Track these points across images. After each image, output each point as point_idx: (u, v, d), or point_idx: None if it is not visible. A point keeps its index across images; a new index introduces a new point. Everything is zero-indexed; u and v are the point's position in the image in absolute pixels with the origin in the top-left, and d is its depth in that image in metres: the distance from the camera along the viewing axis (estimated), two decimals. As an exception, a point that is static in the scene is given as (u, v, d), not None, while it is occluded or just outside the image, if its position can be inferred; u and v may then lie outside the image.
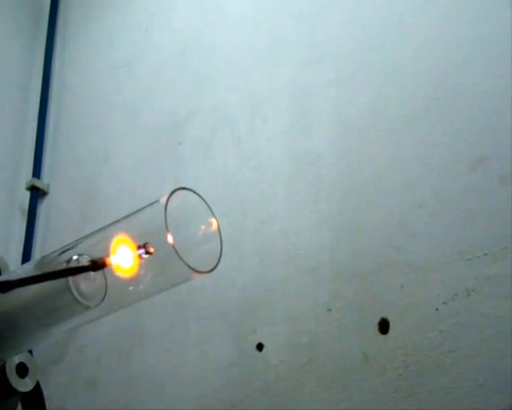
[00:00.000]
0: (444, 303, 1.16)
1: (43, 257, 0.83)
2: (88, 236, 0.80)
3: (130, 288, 0.77)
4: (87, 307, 0.76)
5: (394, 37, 1.40)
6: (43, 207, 2.00)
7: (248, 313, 1.41)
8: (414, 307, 1.19)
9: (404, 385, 1.16)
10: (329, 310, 1.30)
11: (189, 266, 0.72)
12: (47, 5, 2.23)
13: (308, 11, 1.58)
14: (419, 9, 1.38)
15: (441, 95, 1.29)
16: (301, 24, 1.58)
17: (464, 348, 1.12)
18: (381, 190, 1.31)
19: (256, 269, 1.44)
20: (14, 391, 0.87)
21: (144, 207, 0.77)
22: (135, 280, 0.75)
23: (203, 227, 0.79)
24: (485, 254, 1.14)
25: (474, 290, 1.14)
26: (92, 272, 0.75)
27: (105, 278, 0.76)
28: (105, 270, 0.75)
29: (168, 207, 0.72)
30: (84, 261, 0.74)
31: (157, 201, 0.74)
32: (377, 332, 1.22)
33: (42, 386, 0.97)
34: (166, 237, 0.71)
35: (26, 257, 1.88)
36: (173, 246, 0.71)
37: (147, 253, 0.73)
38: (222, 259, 0.76)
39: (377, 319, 1.23)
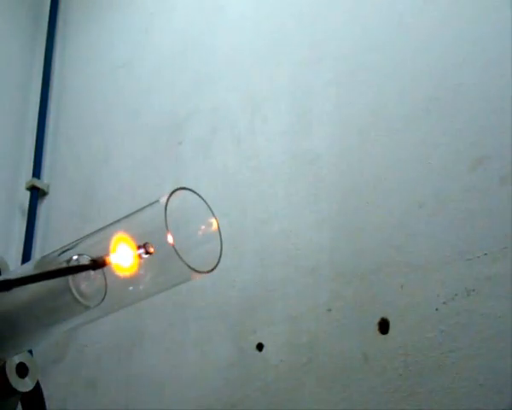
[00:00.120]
0: (444, 303, 1.16)
1: (43, 257, 0.83)
2: (88, 236, 0.80)
3: (130, 288, 0.77)
4: (87, 307, 0.76)
5: (394, 37, 1.40)
6: (43, 207, 2.00)
7: (248, 313, 1.41)
8: (414, 307, 1.19)
9: (404, 385, 1.16)
10: (329, 310, 1.30)
11: (189, 266, 0.72)
12: (47, 5, 2.23)
13: (308, 11, 1.58)
14: (419, 9, 1.38)
15: (441, 95, 1.29)
16: (301, 24, 1.58)
17: (464, 348, 1.12)
18: (381, 190, 1.31)
19: (256, 269, 1.44)
20: (14, 391, 0.87)
21: (144, 207, 0.77)
22: (135, 280, 0.75)
23: (203, 227, 0.79)
24: (485, 254, 1.14)
25: (474, 290, 1.14)
26: (92, 272, 0.75)
27: (105, 278, 0.76)
28: (105, 270, 0.75)
29: (168, 207, 0.72)
30: (84, 261, 0.74)
31: (157, 201, 0.74)
32: (377, 332, 1.22)
33: (42, 386, 0.97)
34: (166, 237, 0.71)
35: (26, 257, 1.88)
36: (173, 246, 0.71)
37: (147, 253, 0.73)
38: (222, 259, 0.76)
39: (377, 319, 1.23)
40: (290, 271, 1.38)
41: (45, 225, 1.97)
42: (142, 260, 0.73)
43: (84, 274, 0.75)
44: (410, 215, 1.26)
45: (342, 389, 1.23)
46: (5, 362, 0.86)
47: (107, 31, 2.08)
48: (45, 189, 2.00)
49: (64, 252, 0.79)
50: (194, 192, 0.78)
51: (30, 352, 1.01)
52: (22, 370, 0.88)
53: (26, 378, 0.89)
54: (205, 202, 0.79)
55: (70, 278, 0.74)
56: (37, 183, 1.99)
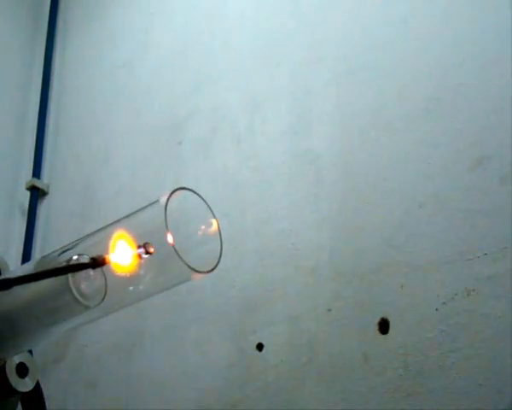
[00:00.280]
0: (444, 303, 1.16)
1: (43, 257, 0.83)
2: (88, 236, 0.80)
3: (130, 288, 0.77)
4: (87, 307, 0.76)
5: (394, 37, 1.40)
6: (43, 207, 2.00)
7: (248, 313, 1.41)
8: (414, 307, 1.19)
9: (404, 385, 1.16)
10: (329, 310, 1.30)
11: (189, 266, 0.72)
12: (47, 5, 2.24)
13: (308, 11, 1.58)
14: (419, 9, 1.38)
15: (441, 95, 1.29)
16: (301, 24, 1.58)
17: (464, 348, 1.12)
18: (381, 190, 1.31)
19: (256, 269, 1.44)
20: (14, 391, 0.87)
21: (144, 207, 0.77)
22: (135, 280, 0.75)
23: (203, 227, 0.79)
24: (485, 254, 1.14)
25: (474, 290, 1.14)
26: (92, 272, 0.75)
27: (105, 278, 0.76)
28: (105, 269, 0.75)
29: (168, 207, 0.72)
30: (84, 261, 0.74)
31: (157, 201, 0.74)
32: (377, 332, 1.22)
33: (42, 386, 0.97)
34: (166, 237, 0.71)
35: (26, 257, 1.88)
36: (173, 246, 0.71)
37: (147, 253, 0.72)
38: (222, 259, 0.76)
39: (377, 319, 1.23)
40: (290, 271, 1.38)
41: (45, 225, 1.97)
42: (142, 260, 0.73)
43: (84, 274, 0.75)
44: (410, 215, 1.26)
45: (342, 389, 1.23)
46: (5, 362, 0.86)
47: (107, 31, 2.08)
48: (45, 189, 2.01)
49: (64, 252, 0.79)
50: (195, 192, 0.78)
51: (30, 352, 1.01)
52: (22, 370, 0.88)
53: (26, 378, 0.89)
54: (205, 202, 0.79)
55: (70, 277, 0.74)
56: (37, 183, 1.99)
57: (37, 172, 2.01)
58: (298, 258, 1.38)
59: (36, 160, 2.03)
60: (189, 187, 0.77)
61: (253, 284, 1.43)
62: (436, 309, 1.17)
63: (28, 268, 0.82)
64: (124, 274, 0.74)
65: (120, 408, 1.55)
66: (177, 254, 0.71)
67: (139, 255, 0.73)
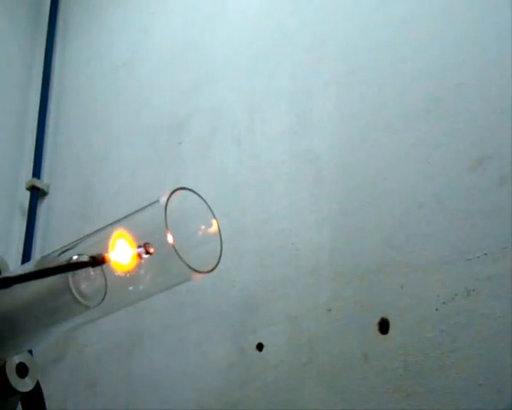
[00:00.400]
0: (444, 303, 1.16)
1: (43, 257, 0.83)
2: (88, 236, 0.80)
3: (130, 288, 0.77)
4: (87, 307, 0.76)
5: (394, 37, 1.40)
6: (43, 207, 2.00)
7: (248, 313, 1.41)
8: (414, 307, 1.19)
9: (404, 385, 1.16)
10: (329, 310, 1.30)
11: (189, 266, 0.72)
12: (47, 5, 2.23)
13: (308, 11, 1.58)
14: (419, 9, 1.38)
15: (441, 95, 1.29)
16: (301, 24, 1.58)
17: (464, 348, 1.12)
18: (381, 190, 1.31)
19: (256, 269, 1.44)
20: (14, 391, 0.87)
21: (144, 207, 0.77)
22: (135, 280, 0.75)
23: (203, 227, 0.79)
24: (485, 254, 1.14)
25: (474, 290, 1.14)
26: (92, 272, 0.75)
27: (105, 278, 0.76)
28: (105, 269, 0.75)
29: (168, 207, 0.72)
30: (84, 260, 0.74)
31: (157, 201, 0.74)
32: (377, 332, 1.22)
33: (42, 386, 0.97)
34: (166, 237, 0.71)
35: (26, 257, 1.88)
36: (173, 246, 0.71)
37: (147, 253, 0.73)
38: (222, 259, 0.76)
39: (377, 319, 1.23)
40: (290, 271, 1.38)
41: (45, 225, 1.97)
42: (142, 260, 0.73)
43: (84, 274, 0.75)
44: (410, 215, 1.25)
45: (342, 389, 1.23)
46: (5, 362, 0.86)
47: (107, 31, 2.08)
48: (45, 189, 2.00)
49: (64, 252, 0.80)
50: (195, 192, 0.78)
51: (30, 352, 1.01)
52: (22, 370, 0.88)
53: (26, 378, 0.89)
54: (205, 202, 0.79)
55: (70, 277, 0.74)
56: (37, 183, 1.99)
57: (37, 172, 2.01)
58: (298, 258, 1.38)
59: (36, 160, 2.03)
60: (189, 187, 0.77)
61: (253, 284, 1.43)
62: (436, 309, 1.17)
63: (28, 268, 0.83)
64: (123, 273, 0.74)
65: (120, 408, 1.55)
66: (177, 254, 0.71)
67: (139, 255, 0.73)
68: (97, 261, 0.72)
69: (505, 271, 1.11)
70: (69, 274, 0.75)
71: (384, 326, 1.22)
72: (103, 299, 0.76)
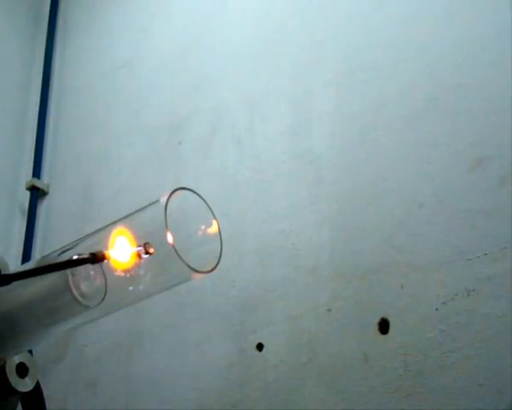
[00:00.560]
0: (444, 303, 1.16)
1: (43, 257, 0.83)
2: (88, 236, 0.80)
3: (130, 288, 0.77)
4: (87, 307, 0.76)
5: (394, 37, 1.40)
6: (43, 207, 2.00)
7: (248, 313, 1.41)
8: (414, 307, 1.19)
9: (404, 385, 1.16)
10: (329, 310, 1.30)
11: (189, 266, 0.72)
12: (47, 5, 2.23)
13: (308, 11, 1.58)
14: (419, 9, 1.38)
15: (441, 95, 1.29)
16: (301, 24, 1.58)
17: (464, 348, 1.12)
18: (381, 190, 1.31)
19: (256, 269, 1.44)
20: (14, 391, 0.87)
21: (144, 207, 0.77)
22: (135, 280, 0.75)
23: (203, 227, 0.79)
24: (485, 254, 1.14)
25: (474, 290, 1.14)
26: (92, 272, 0.75)
27: (105, 278, 0.76)
28: (105, 269, 0.75)
29: (168, 207, 0.72)
30: (84, 261, 0.74)
31: (157, 201, 0.74)
32: (377, 332, 1.22)
33: (42, 386, 0.97)
34: (166, 237, 0.71)
35: (26, 257, 1.88)
36: (173, 246, 0.71)
37: (147, 253, 0.73)
38: (222, 259, 0.76)
39: (377, 319, 1.23)
40: (290, 271, 1.38)
41: (45, 225, 1.97)
42: (141, 260, 0.73)
43: (84, 274, 0.75)
44: (410, 215, 1.26)
45: (342, 389, 1.23)
46: (5, 362, 0.86)
47: (107, 31, 2.08)
48: (45, 189, 2.01)
49: (64, 252, 0.80)
50: (195, 192, 0.78)
51: (30, 352, 1.01)
52: (22, 370, 0.88)
53: (26, 378, 0.89)
54: (205, 202, 0.79)
55: (70, 277, 0.74)
56: (37, 183, 1.99)
57: (37, 172, 2.01)
58: (298, 258, 1.38)
59: (36, 160, 2.03)
60: (189, 187, 0.77)
61: (253, 284, 1.43)
62: (436, 309, 1.17)
63: (28, 268, 0.82)
64: (123, 273, 0.74)
65: (120, 408, 1.55)
66: (177, 254, 0.71)
67: (139, 255, 0.73)
68: (97, 258, 0.72)
69: (505, 271, 1.11)
70: (69, 274, 0.75)
71: (384, 326, 1.22)
72: (103, 299, 0.76)
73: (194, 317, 1.50)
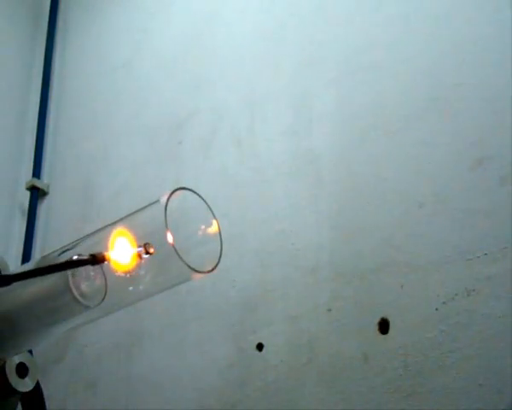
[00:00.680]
0: (444, 303, 1.16)
1: (43, 257, 0.83)
2: (88, 236, 0.80)
3: (130, 288, 0.77)
4: (87, 307, 0.76)
5: (394, 37, 1.40)
6: (43, 207, 2.00)
7: (248, 313, 1.41)
8: (414, 307, 1.19)
9: (404, 385, 1.16)
10: (329, 310, 1.30)
11: (189, 266, 0.72)
12: (47, 5, 2.23)
13: (308, 11, 1.58)
14: (419, 10, 1.38)
15: (441, 95, 1.29)
16: (301, 24, 1.58)
17: (464, 348, 1.12)
18: (381, 190, 1.31)
19: (256, 269, 1.44)
20: (14, 391, 0.87)
21: (144, 207, 0.77)
22: (135, 280, 0.75)
23: (203, 227, 0.79)
24: (485, 254, 1.14)
25: (474, 290, 1.14)
26: (92, 272, 0.75)
27: (105, 278, 0.76)
28: (105, 269, 0.75)
29: (168, 207, 0.72)
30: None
31: (157, 201, 0.74)
32: (377, 332, 1.22)
33: (42, 386, 0.97)
34: (166, 237, 0.71)
35: (26, 257, 1.88)
36: (173, 246, 0.71)
37: (147, 253, 0.72)
38: (222, 259, 0.76)
39: (377, 319, 1.23)
40: (290, 271, 1.38)
41: (45, 225, 1.97)
42: (142, 261, 0.73)
43: (84, 274, 0.75)
44: (410, 215, 1.26)
45: (342, 389, 1.23)
46: (5, 362, 0.86)
47: (107, 31, 2.08)
48: (45, 189, 2.01)
49: (64, 252, 0.79)
50: (195, 192, 0.78)
51: (30, 352, 1.01)
52: (22, 370, 0.88)
53: (26, 378, 0.88)
54: (205, 202, 0.79)
55: (70, 277, 0.74)
56: (37, 183, 1.99)
57: (37, 172, 2.01)
58: (298, 258, 1.38)
59: (36, 160, 2.03)
60: (189, 187, 0.77)
61: (253, 284, 1.43)
62: (436, 309, 1.17)
63: (28, 268, 0.82)
64: (124, 273, 0.74)
65: (120, 408, 1.55)
66: (177, 254, 0.71)
67: (139, 255, 0.73)
68: (97, 260, 0.72)
69: (505, 271, 1.11)
70: (69, 274, 0.75)
71: (384, 326, 1.22)
72: (103, 299, 0.76)
73: (194, 317, 1.50)
